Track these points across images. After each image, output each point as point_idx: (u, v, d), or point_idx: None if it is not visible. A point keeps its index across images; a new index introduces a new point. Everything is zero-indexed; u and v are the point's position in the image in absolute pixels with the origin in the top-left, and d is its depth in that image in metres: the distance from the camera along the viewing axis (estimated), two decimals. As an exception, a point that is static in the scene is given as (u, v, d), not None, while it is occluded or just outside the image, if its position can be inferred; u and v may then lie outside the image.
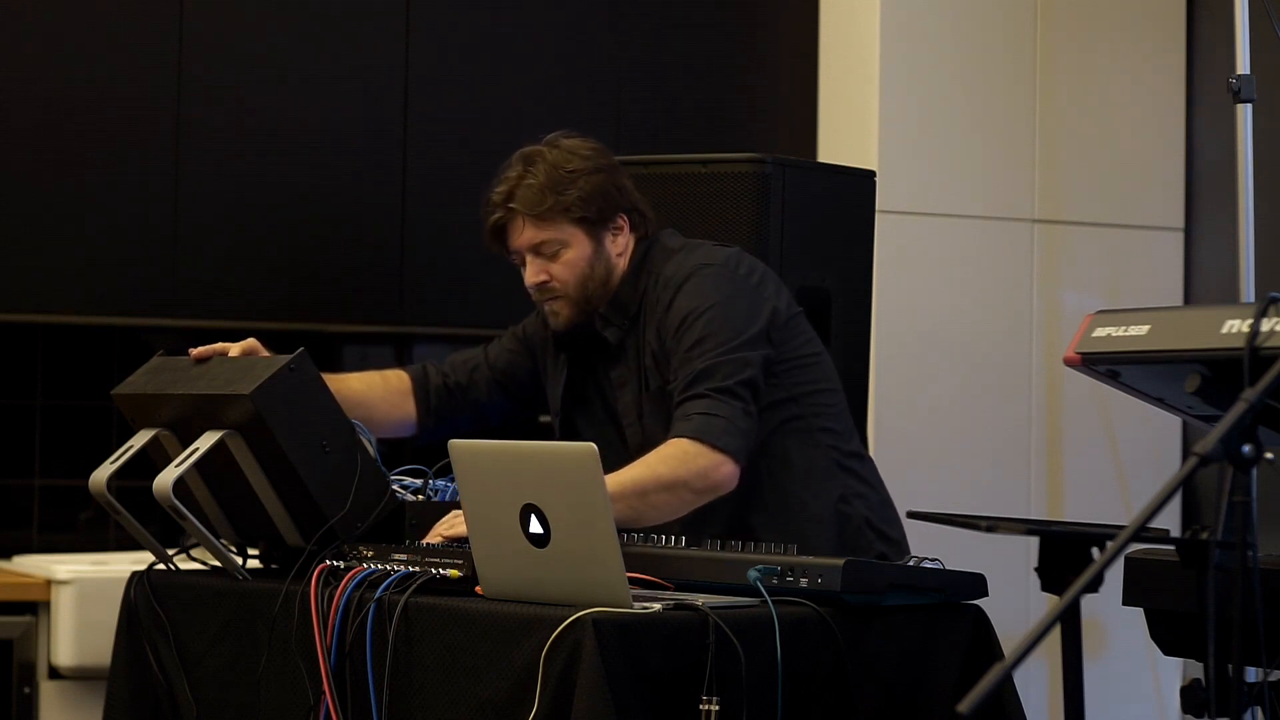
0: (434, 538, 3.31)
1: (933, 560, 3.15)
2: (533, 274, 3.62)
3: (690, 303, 3.54)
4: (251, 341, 3.59)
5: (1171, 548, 2.91)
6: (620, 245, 3.63)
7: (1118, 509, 5.41)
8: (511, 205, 3.60)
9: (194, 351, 3.54)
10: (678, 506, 3.41)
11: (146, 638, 3.54)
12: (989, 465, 5.35)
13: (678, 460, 3.39)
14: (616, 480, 3.30)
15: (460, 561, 3.07)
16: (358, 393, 3.73)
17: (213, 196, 4.95)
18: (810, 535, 3.54)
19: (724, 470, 3.41)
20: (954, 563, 3.18)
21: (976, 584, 3.17)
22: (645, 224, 3.67)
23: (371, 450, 3.44)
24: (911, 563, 3.14)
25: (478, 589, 3.03)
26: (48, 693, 4.52)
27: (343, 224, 5.08)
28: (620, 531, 2.98)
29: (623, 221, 3.63)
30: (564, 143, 3.63)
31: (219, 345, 3.55)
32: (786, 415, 3.61)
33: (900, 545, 3.68)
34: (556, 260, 3.60)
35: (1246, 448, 2.29)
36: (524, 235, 3.61)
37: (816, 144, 5.46)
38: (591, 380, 3.73)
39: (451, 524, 3.30)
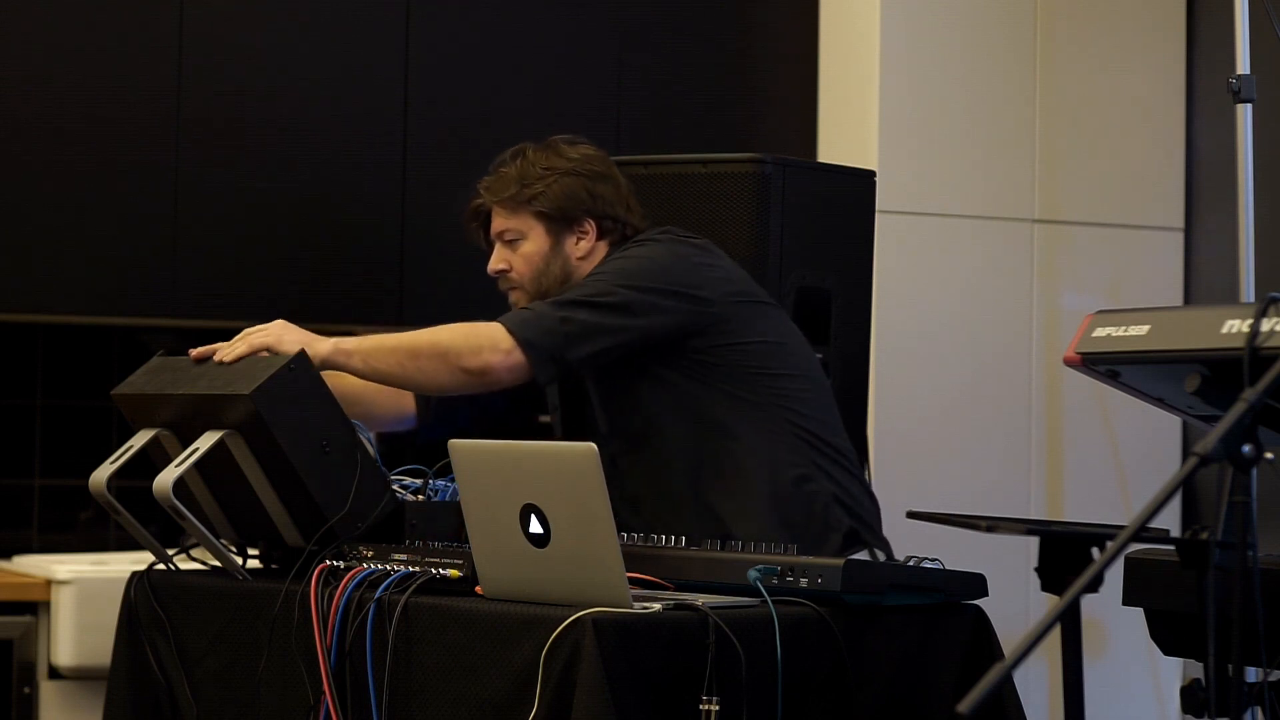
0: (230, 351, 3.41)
1: (933, 560, 3.15)
2: (493, 260, 3.72)
3: (617, 258, 3.61)
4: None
5: (1171, 548, 2.91)
6: (583, 249, 3.67)
7: (1118, 509, 5.41)
8: (482, 191, 3.72)
9: (193, 352, 3.54)
10: (446, 380, 3.47)
11: (146, 638, 3.54)
12: (989, 465, 5.35)
13: (464, 333, 3.46)
14: (397, 336, 3.44)
15: (460, 561, 3.07)
16: (356, 389, 3.74)
17: (213, 196, 4.95)
18: (766, 511, 3.54)
19: (500, 355, 3.45)
20: (954, 563, 3.18)
21: (976, 584, 3.17)
22: (622, 231, 3.70)
23: (371, 450, 3.44)
24: (911, 563, 3.14)
25: (478, 589, 3.03)
26: (48, 693, 4.52)
27: (343, 224, 5.08)
28: (619, 531, 2.98)
29: (589, 226, 3.67)
30: (559, 144, 3.72)
31: (218, 345, 3.56)
32: (739, 394, 3.59)
33: (874, 529, 3.67)
34: (516, 251, 3.68)
35: (1246, 448, 2.29)
36: (494, 222, 3.71)
37: (816, 144, 5.46)
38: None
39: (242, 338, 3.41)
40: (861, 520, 3.65)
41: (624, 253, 3.63)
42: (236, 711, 3.38)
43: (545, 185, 3.65)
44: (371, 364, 3.47)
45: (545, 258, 3.66)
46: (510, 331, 3.46)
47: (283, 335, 3.44)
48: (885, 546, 3.67)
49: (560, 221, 3.66)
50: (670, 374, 3.58)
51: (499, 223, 3.70)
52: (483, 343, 3.45)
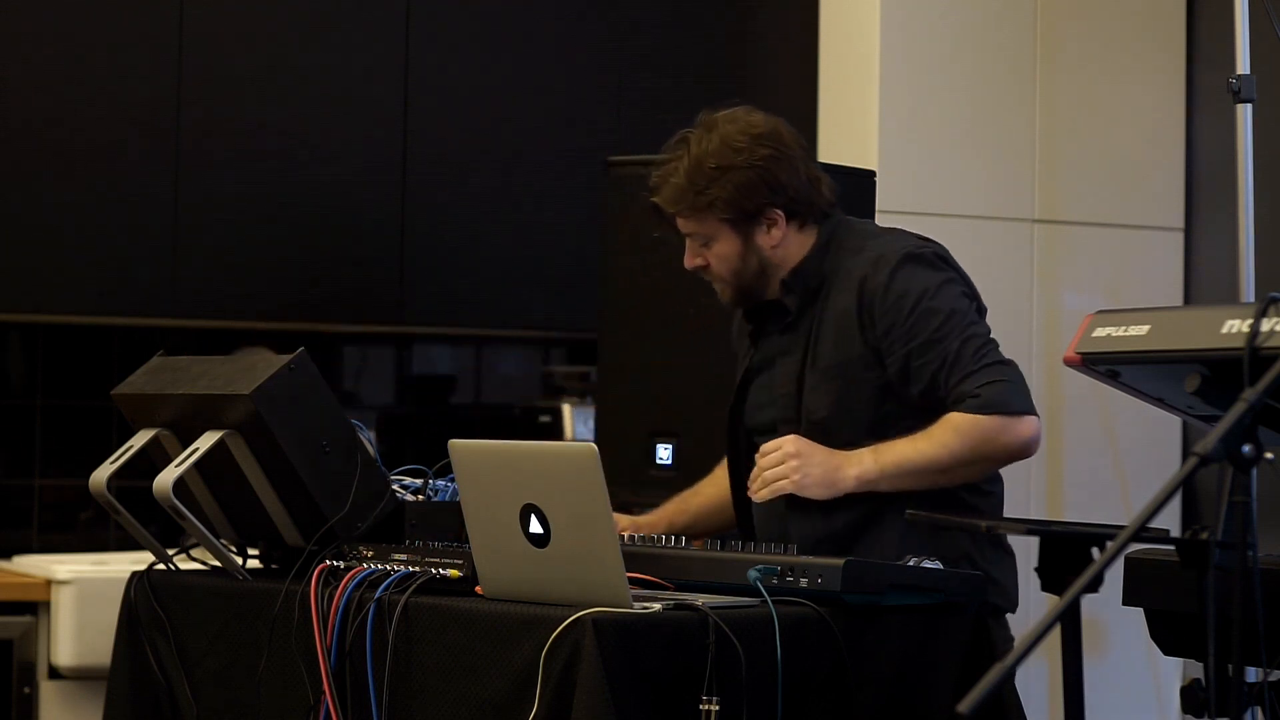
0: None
1: (933, 560, 3.14)
2: (689, 258, 3.59)
3: (910, 286, 3.48)
4: None
5: (1171, 548, 2.90)
6: (775, 238, 3.53)
7: (1118, 509, 5.40)
8: (655, 199, 3.57)
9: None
10: (989, 471, 3.49)
11: (146, 638, 3.54)
12: (989, 465, 5.34)
13: (980, 436, 3.38)
14: (918, 454, 3.37)
15: (460, 561, 3.07)
16: (715, 506, 3.74)
17: (213, 196, 4.95)
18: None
19: (1026, 434, 3.40)
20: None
21: (976, 584, 3.16)
22: (811, 210, 3.57)
23: (371, 450, 3.44)
24: (911, 563, 3.14)
25: (478, 589, 3.03)
26: (48, 693, 4.52)
27: (343, 224, 5.08)
28: (619, 533, 2.98)
29: (776, 215, 3.52)
30: (725, 128, 3.54)
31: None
32: (919, 428, 3.46)
33: (1005, 591, 3.54)
34: (710, 250, 3.56)
35: (1246, 448, 2.29)
36: (679, 223, 3.58)
37: (817, 144, 5.46)
38: (766, 343, 3.66)
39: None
40: (993, 581, 3.48)
41: (917, 288, 3.48)
42: (236, 711, 3.37)
43: (720, 189, 3.48)
44: (899, 487, 3.41)
45: (740, 256, 3.53)
46: (1016, 412, 3.39)
47: (804, 479, 3.38)
48: (1008, 601, 3.54)
49: (745, 221, 3.52)
50: (890, 395, 3.49)
51: (683, 225, 3.56)
52: (1001, 437, 3.39)
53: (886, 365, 3.46)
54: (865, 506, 3.45)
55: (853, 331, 3.49)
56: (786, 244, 3.55)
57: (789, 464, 3.37)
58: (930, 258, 3.54)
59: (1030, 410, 3.41)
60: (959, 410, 3.39)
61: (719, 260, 3.55)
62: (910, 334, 3.44)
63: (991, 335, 3.50)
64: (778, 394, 3.57)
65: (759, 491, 3.39)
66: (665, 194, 3.54)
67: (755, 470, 3.41)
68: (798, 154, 3.56)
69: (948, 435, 3.37)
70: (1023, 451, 3.42)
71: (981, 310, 3.57)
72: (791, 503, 3.44)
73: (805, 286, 3.55)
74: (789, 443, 3.39)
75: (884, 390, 3.48)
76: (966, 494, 3.52)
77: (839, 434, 3.46)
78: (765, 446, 3.41)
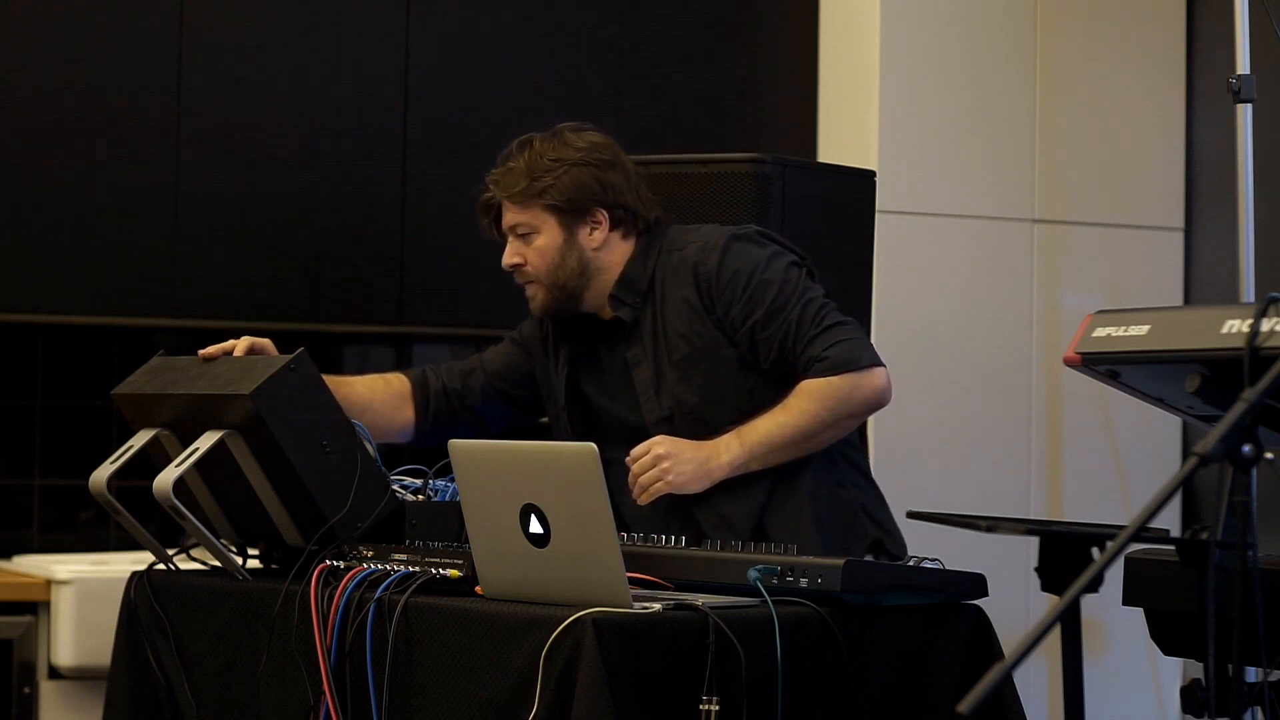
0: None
1: (933, 560, 3.15)
2: (508, 255, 3.69)
3: (742, 264, 3.59)
4: (262, 341, 3.59)
5: (1171, 548, 2.91)
6: (597, 240, 3.64)
7: (1118, 509, 5.41)
8: (491, 185, 3.68)
9: (201, 353, 3.55)
10: (851, 428, 3.62)
11: (146, 638, 3.54)
12: (989, 465, 5.35)
13: (838, 396, 3.51)
14: (781, 429, 3.49)
15: (460, 561, 3.07)
16: (362, 397, 3.74)
17: (213, 196, 4.95)
18: (810, 520, 3.54)
19: (881, 384, 3.54)
20: (954, 563, 3.18)
21: (976, 584, 3.17)
22: (635, 222, 3.68)
23: (371, 450, 3.44)
24: (911, 563, 3.14)
25: (478, 589, 3.03)
26: (48, 693, 4.52)
27: (343, 224, 5.08)
28: (620, 532, 2.98)
29: (601, 217, 3.64)
30: (566, 134, 3.68)
31: (227, 344, 3.56)
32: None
33: (895, 537, 3.69)
34: (530, 245, 3.65)
35: (1246, 448, 2.29)
36: (505, 216, 3.68)
37: (816, 144, 5.46)
38: (605, 364, 3.72)
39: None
40: (886, 531, 3.69)
41: (748, 265, 3.58)
42: (236, 711, 3.38)
43: (555, 178, 3.61)
44: (770, 463, 3.54)
45: (560, 251, 3.63)
46: (864, 367, 3.52)
47: (677, 477, 3.47)
48: (899, 546, 3.69)
49: (572, 213, 3.63)
50: (750, 369, 3.60)
51: (510, 217, 3.66)
52: (856, 394, 3.52)
53: (735, 343, 3.58)
54: (768, 482, 3.56)
55: (700, 316, 3.60)
56: (608, 249, 3.66)
57: (660, 465, 3.47)
58: (754, 235, 3.66)
59: (877, 362, 3.56)
60: (810, 376, 3.53)
61: (539, 254, 3.64)
62: (749, 309, 3.57)
63: (827, 297, 3.61)
64: (644, 399, 3.64)
65: (639, 496, 3.48)
66: (504, 180, 3.66)
67: (630, 476, 3.48)
68: (631, 170, 3.71)
69: (805, 402, 3.51)
70: (878, 402, 3.57)
71: (813, 274, 3.67)
72: (686, 496, 3.52)
73: (635, 293, 3.64)
74: (657, 444, 3.49)
75: (744, 365, 3.60)
76: (849, 449, 3.69)
77: (715, 417, 3.57)
78: (634, 451, 3.50)
